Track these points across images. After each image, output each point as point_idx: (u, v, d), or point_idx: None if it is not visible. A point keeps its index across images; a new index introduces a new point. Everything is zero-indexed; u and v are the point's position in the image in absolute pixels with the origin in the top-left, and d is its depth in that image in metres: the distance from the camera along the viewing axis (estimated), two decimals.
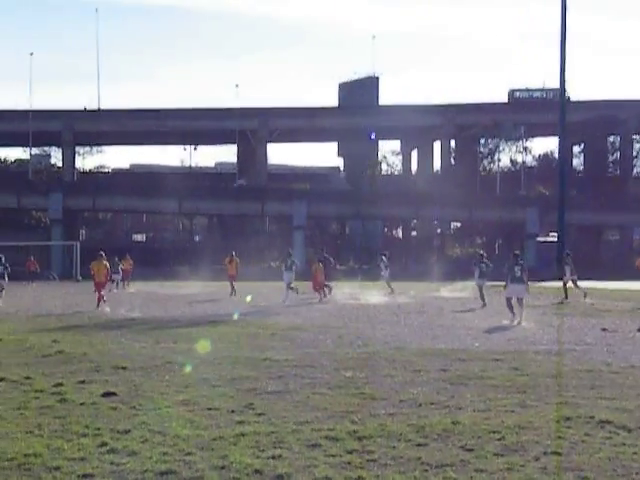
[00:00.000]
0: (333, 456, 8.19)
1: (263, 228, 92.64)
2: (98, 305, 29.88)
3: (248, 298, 33.48)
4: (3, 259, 35.83)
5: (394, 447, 8.55)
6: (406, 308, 29.90)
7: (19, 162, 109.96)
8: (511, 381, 12.67)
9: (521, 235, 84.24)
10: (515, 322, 23.42)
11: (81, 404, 10.77)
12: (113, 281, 43.36)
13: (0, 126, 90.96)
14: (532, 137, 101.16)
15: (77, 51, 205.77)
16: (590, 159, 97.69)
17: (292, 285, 34.40)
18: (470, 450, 8.42)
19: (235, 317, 25.37)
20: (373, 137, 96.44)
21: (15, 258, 43.38)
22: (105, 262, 31.81)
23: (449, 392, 11.74)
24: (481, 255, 32.61)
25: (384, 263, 40.81)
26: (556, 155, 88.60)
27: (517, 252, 26.83)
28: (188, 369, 13.89)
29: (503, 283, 25.39)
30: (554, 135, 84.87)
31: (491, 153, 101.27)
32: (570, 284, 34.93)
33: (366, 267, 73.89)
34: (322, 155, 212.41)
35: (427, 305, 31.64)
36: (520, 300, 24.40)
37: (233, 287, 38.02)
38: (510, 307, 24.31)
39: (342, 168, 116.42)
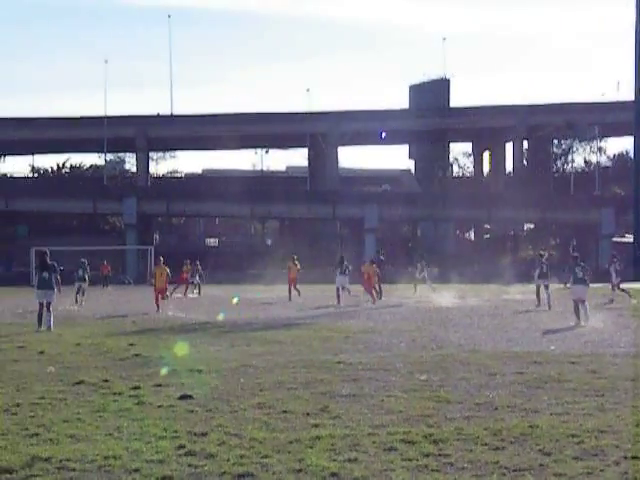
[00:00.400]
0: (409, 460, 8.15)
1: (334, 231, 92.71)
2: (158, 309, 30.35)
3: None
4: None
5: (470, 450, 8.48)
6: (480, 311, 29.68)
7: (94, 168, 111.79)
8: (589, 384, 12.49)
9: (596, 236, 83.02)
10: (582, 323, 23.20)
11: (158, 407, 10.89)
12: (193, 284, 44.01)
13: (76, 132, 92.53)
14: (606, 137, 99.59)
15: (150, 57, 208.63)
16: None
17: (345, 287, 34.32)
18: (548, 454, 8.30)
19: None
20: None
21: (91, 263, 44.06)
22: (165, 267, 32.14)
23: (525, 395, 11.62)
24: (541, 255, 32.35)
25: (422, 265, 40.84)
26: (631, 155, 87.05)
27: (576, 254, 26.76)
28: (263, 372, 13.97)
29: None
30: (629, 134, 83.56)
31: (565, 154, 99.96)
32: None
33: (438, 270, 73.54)
34: (393, 158, 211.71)
35: (501, 307, 31.38)
36: (583, 302, 24.16)
37: (291, 292, 37.44)
38: (576, 310, 24.07)
39: (413, 170, 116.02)
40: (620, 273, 34.42)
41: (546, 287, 30.74)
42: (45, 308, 23.10)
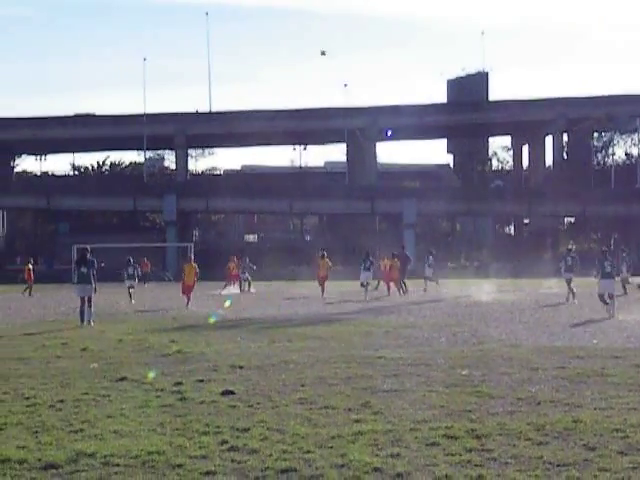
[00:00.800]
0: (452, 455, 8.12)
1: (373, 227, 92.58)
2: (187, 305, 30.88)
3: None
4: (132, 260, 37.57)
5: (514, 445, 8.44)
6: (520, 305, 29.53)
7: (134, 165, 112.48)
8: (633, 379, 12.38)
9: (638, 230, 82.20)
10: (609, 317, 23.48)
11: (201, 402, 10.95)
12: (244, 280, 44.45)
13: (116, 130, 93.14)
14: None
15: (188, 55, 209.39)
16: None
17: (366, 283, 34.87)
18: (593, 449, 8.24)
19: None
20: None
21: (132, 260, 44.46)
22: (194, 264, 32.61)
23: (568, 390, 11.54)
24: (569, 250, 32.93)
25: (430, 261, 41.07)
26: None
27: (605, 249, 27.82)
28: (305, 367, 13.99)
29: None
30: None
31: (605, 146, 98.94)
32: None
33: (477, 264, 73.25)
34: (432, 152, 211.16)
35: (542, 302, 31.19)
36: (611, 295, 24.83)
37: (323, 289, 37.09)
38: (604, 302, 24.77)
39: (452, 165, 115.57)
40: (630, 267, 35.57)
41: (569, 281, 31.17)
42: (87, 304, 23.61)
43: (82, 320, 23.43)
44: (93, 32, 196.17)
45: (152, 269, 58.23)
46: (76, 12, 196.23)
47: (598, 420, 9.45)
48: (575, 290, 30.97)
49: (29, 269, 45.15)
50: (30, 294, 42.37)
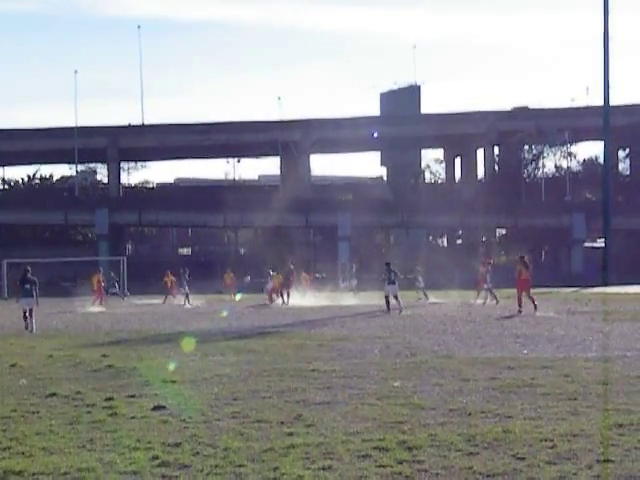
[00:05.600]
0: (384, 466, 8.16)
1: (308, 239, 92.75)
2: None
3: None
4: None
5: (445, 457, 8.50)
6: (453, 317, 29.77)
7: (65, 179, 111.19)
8: (561, 388, 12.55)
9: (568, 241, 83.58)
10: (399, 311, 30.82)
11: (132, 418, 10.84)
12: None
13: (46, 143, 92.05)
14: (577, 142, 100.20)
15: (120, 67, 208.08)
16: (636, 163, 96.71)
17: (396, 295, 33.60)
18: (522, 459, 8.34)
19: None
20: (376, 135, 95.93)
21: (63, 274, 43.96)
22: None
23: (499, 400, 11.66)
24: (388, 264, 34.62)
25: (418, 273, 42.62)
26: (601, 160, 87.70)
27: (389, 262, 34.59)
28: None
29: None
30: (599, 139, 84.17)
31: (535, 159, 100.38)
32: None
33: (411, 276, 73.72)
34: (365, 165, 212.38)
35: (474, 313, 31.48)
36: (395, 296, 32.67)
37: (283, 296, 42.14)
38: (387, 301, 32.38)
39: (385, 177, 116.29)
40: (492, 278, 38.10)
41: (394, 295, 33.54)
42: (28, 314, 27.36)
43: (26, 327, 27.07)
44: (24, 44, 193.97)
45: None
46: (6, 24, 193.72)
47: (528, 430, 9.57)
48: (402, 302, 33.07)
49: None
50: None
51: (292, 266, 46.24)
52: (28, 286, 27.86)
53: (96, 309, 40.72)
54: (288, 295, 42.68)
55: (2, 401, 12.43)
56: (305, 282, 48.03)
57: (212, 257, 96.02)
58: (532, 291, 31.53)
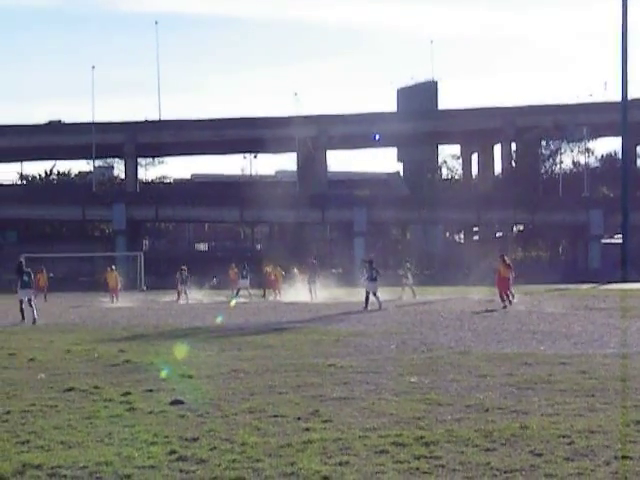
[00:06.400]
0: (401, 462, 8.16)
1: (324, 235, 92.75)
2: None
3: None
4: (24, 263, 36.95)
5: (462, 452, 8.49)
6: (470, 312, 29.73)
7: (83, 174, 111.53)
8: (579, 385, 12.52)
9: (585, 237, 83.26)
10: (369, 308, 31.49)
11: (149, 412, 10.87)
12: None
13: (64, 139, 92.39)
14: (595, 138, 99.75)
15: (138, 63, 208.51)
16: None
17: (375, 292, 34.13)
18: (539, 455, 8.32)
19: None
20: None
21: (80, 269, 44.12)
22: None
23: (516, 397, 11.64)
24: (369, 261, 35.72)
25: (408, 270, 42.34)
26: (620, 155, 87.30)
27: (371, 259, 35.64)
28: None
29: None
30: (617, 135, 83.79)
31: (553, 155, 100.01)
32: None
33: (427, 272, 73.64)
34: (382, 161, 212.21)
35: (489, 309, 31.41)
36: (374, 293, 32.98)
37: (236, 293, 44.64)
38: (367, 297, 32.76)
39: (402, 173, 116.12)
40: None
41: (373, 292, 34.28)
42: (27, 304, 28.42)
43: (23, 318, 28.12)
44: (41, 40, 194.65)
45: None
46: (23, 20, 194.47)
47: (545, 426, 9.55)
48: (381, 300, 33.23)
49: None
50: None
51: (314, 261, 45.48)
52: (26, 277, 29.09)
53: (118, 304, 40.95)
54: (311, 292, 42.20)
55: (21, 395, 12.50)
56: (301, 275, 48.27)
57: (228, 253, 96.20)
58: (513, 289, 33.46)
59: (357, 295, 41.14)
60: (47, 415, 10.88)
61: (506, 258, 34.26)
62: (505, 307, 31.53)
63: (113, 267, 46.28)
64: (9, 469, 8.03)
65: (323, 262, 77.76)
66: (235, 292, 45.50)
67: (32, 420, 10.52)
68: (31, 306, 28.20)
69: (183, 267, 45.21)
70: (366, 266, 34.80)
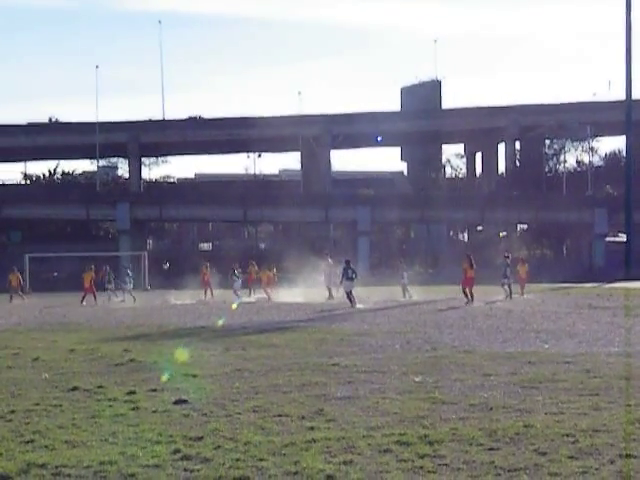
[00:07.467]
0: (405, 461, 8.16)
1: (328, 234, 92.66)
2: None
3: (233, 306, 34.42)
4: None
5: (466, 451, 8.50)
6: (473, 312, 29.71)
7: (87, 174, 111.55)
8: (583, 384, 12.51)
9: (589, 236, 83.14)
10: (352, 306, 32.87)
11: (153, 412, 10.89)
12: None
13: (68, 139, 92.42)
14: (599, 137, 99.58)
15: (142, 62, 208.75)
16: None
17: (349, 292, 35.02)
18: (543, 454, 8.32)
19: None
20: (380, 139, 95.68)
21: (84, 269, 44.10)
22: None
23: (520, 395, 11.64)
24: (347, 261, 36.30)
25: (403, 269, 42.47)
26: (624, 154, 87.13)
27: (349, 259, 36.63)
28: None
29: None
30: (621, 134, 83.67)
31: (557, 154, 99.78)
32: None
33: (431, 271, 73.61)
34: (385, 160, 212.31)
35: (495, 308, 31.41)
36: (350, 292, 34.05)
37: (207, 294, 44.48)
38: (349, 296, 33.75)
39: (406, 172, 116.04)
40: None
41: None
42: None
43: None
44: (44, 39, 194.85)
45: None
46: (26, 19, 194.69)
47: (549, 425, 9.55)
48: (356, 299, 34.10)
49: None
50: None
51: (330, 260, 44.06)
52: None
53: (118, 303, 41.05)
54: (330, 290, 40.77)
55: (25, 395, 12.52)
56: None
57: (232, 252, 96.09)
58: (474, 288, 35.14)
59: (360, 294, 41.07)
60: (51, 414, 10.90)
61: (472, 258, 36.26)
62: (467, 303, 33.83)
63: (92, 267, 44.90)
64: (14, 468, 8.05)
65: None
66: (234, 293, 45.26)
67: (36, 419, 10.54)
68: None
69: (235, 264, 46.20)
70: (344, 266, 35.77)
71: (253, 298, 43.77)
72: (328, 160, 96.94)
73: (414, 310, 31.20)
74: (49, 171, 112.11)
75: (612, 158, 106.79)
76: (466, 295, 34.59)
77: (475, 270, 35.53)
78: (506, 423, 9.72)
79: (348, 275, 34.91)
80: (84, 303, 40.32)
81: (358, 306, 33.39)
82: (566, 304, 31.57)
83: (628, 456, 8.18)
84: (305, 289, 43.17)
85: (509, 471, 7.74)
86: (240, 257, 62.09)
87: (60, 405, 11.52)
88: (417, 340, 19.66)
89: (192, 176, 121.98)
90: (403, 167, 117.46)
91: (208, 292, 45.07)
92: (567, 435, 9.05)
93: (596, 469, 7.75)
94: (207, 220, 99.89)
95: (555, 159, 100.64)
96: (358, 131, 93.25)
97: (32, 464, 8.19)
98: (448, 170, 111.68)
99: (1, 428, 10.04)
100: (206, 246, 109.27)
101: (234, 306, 35.39)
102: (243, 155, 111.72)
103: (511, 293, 37.06)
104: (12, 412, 11.05)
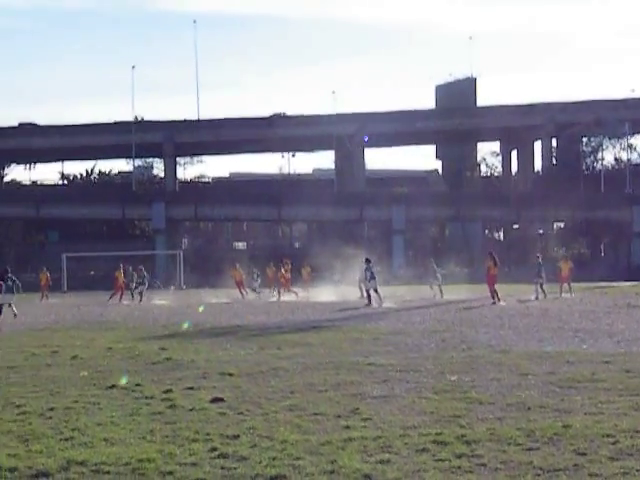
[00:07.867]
0: (442, 460, 8.12)
1: (362, 234, 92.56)
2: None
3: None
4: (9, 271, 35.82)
5: (504, 451, 8.43)
6: (510, 311, 29.54)
7: (123, 174, 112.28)
8: (623, 383, 12.38)
9: (627, 234, 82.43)
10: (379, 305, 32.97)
11: (190, 410, 10.93)
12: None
13: (104, 139, 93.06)
14: (637, 133, 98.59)
15: (177, 62, 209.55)
16: None
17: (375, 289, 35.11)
18: (583, 454, 8.24)
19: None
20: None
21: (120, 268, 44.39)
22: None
23: (558, 395, 11.54)
24: (368, 260, 36.13)
25: (434, 269, 41.89)
26: None
27: (369, 258, 35.89)
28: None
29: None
30: None
31: (594, 151, 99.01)
32: None
33: (467, 270, 73.28)
34: (420, 158, 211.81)
35: (532, 307, 31.22)
36: (375, 290, 34.22)
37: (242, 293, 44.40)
38: (368, 294, 34.25)
39: (440, 171, 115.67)
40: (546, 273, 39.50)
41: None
42: (7, 306, 30.11)
43: None
44: (80, 40, 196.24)
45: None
46: (64, 20, 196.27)
47: (588, 425, 9.45)
48: (382, 296, 34.35)
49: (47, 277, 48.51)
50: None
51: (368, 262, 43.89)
52: (10, 283, 30.68)
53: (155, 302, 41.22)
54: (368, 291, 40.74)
55: (64, 392, 12.61)
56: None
57: (267, 251, 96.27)
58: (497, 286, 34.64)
59: (390, 293, 40.93)
60: (90, 412, 10.97)
61: (495, 256, 35.92)
62: (494, 303, 33.07)
63: (121, 265, 44.79)
64: (54, 465, 8.11)
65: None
66: (274, 290, 45.38)
67: (75, 417, 10.61)
68: (0, 313, 29.43)
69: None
70: (365, 266, 35.78)
71: (280, 296, 43.67)
72: (362, 159, 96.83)
73: (450, 309, 31.07)
74: (86, 171, 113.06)
75: None
76: (493, 295, 34.08)
77: (498, 268, 35.28)
78: (544, 423, 9.63)
79: (372, 275, 34.88)
80: (111, 301, 40.85)
81: (384, 305, 33.31)
82: (604, 303, 31.32)
83: None
84: (340, 288, 43.14)
85: (548, 471, 7.66)
86: (274, 256, 62.05)
87: (98, 403, 11.60)
88: (453, 339, 19.57)
89: (227, 175, 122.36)
90: (438, 165, 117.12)
91: (242, 291, 44.98)
92: (607, 435, 8.95)
93: (637, 470, 7.65)
94: (241, 219, 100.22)
95: (592, 156, 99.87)
96: (393, 129, 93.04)
97: (71, 461, 8.24)
98: (483, 168, 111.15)
99: (41, 425, 10.11)
100: (241, 245, 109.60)
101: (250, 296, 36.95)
102: (277, 154, 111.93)
103: (544, 293, 36.81)
104: (51, 409, 11.13)
